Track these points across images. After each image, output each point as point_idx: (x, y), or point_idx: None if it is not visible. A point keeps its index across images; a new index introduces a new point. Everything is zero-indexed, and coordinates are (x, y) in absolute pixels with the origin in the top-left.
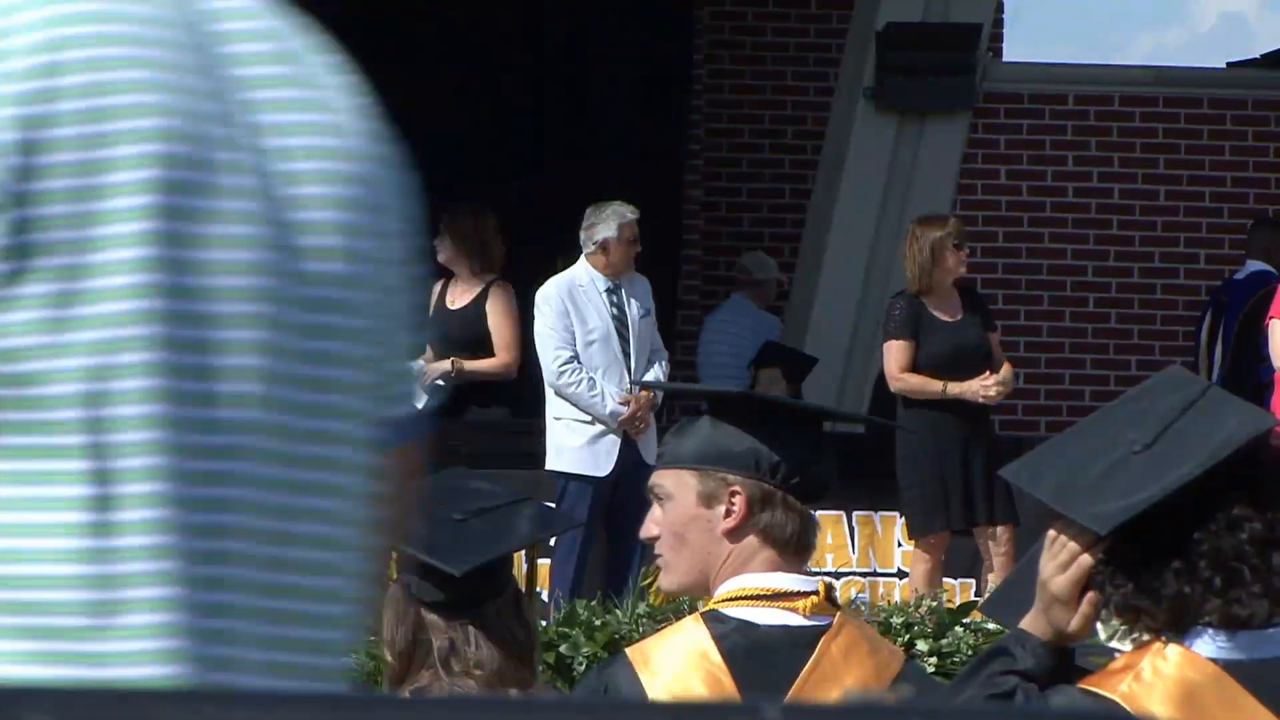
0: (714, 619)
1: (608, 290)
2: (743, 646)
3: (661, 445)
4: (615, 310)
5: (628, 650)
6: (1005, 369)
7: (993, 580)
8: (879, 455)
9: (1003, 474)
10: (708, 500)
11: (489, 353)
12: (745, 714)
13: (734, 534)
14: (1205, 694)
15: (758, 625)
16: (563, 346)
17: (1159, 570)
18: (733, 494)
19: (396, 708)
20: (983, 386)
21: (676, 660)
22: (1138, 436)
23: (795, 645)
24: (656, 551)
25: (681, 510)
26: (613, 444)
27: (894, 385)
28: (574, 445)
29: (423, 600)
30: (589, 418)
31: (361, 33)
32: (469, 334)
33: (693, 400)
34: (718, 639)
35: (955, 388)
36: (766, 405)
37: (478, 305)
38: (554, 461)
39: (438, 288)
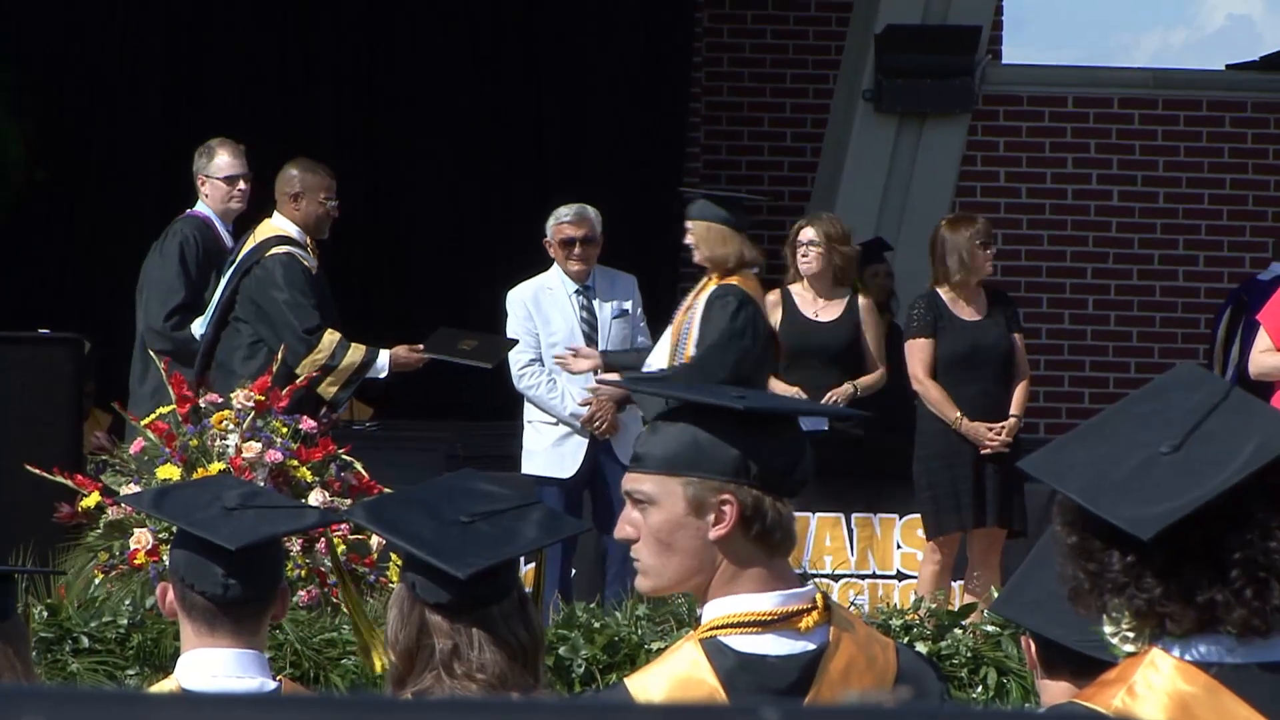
0: (715, 650)
1: (576, 292)
2: (745, 679)
3: (638, 445)
4: (584, 312)
5: (627, 680)
6: (1010, 422)
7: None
8: (879, 458)
9: (1023, 465)
10: (696, 508)
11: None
12: (745, 715)
13: (724, 541)
14: (1200, 706)
15: (760, 656)
16: (523, 349)
17: (1192, 576)
18: (723, 502)
19: (396, 710)
20: (990, 437)
21: (678, 695)
22: (1163, 437)
23: (796, 672)
24: (633, 555)
25: (667, 517)
26: (579, 446)
27: (916, 387)
28: (541, 448)
29: (427, 601)
30: (555, 420)
31: (360, 41)
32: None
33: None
34: (719, 672)
35: (968, 426)
36: (750, 412)
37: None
38: (526, 464)
39: (774, 298)
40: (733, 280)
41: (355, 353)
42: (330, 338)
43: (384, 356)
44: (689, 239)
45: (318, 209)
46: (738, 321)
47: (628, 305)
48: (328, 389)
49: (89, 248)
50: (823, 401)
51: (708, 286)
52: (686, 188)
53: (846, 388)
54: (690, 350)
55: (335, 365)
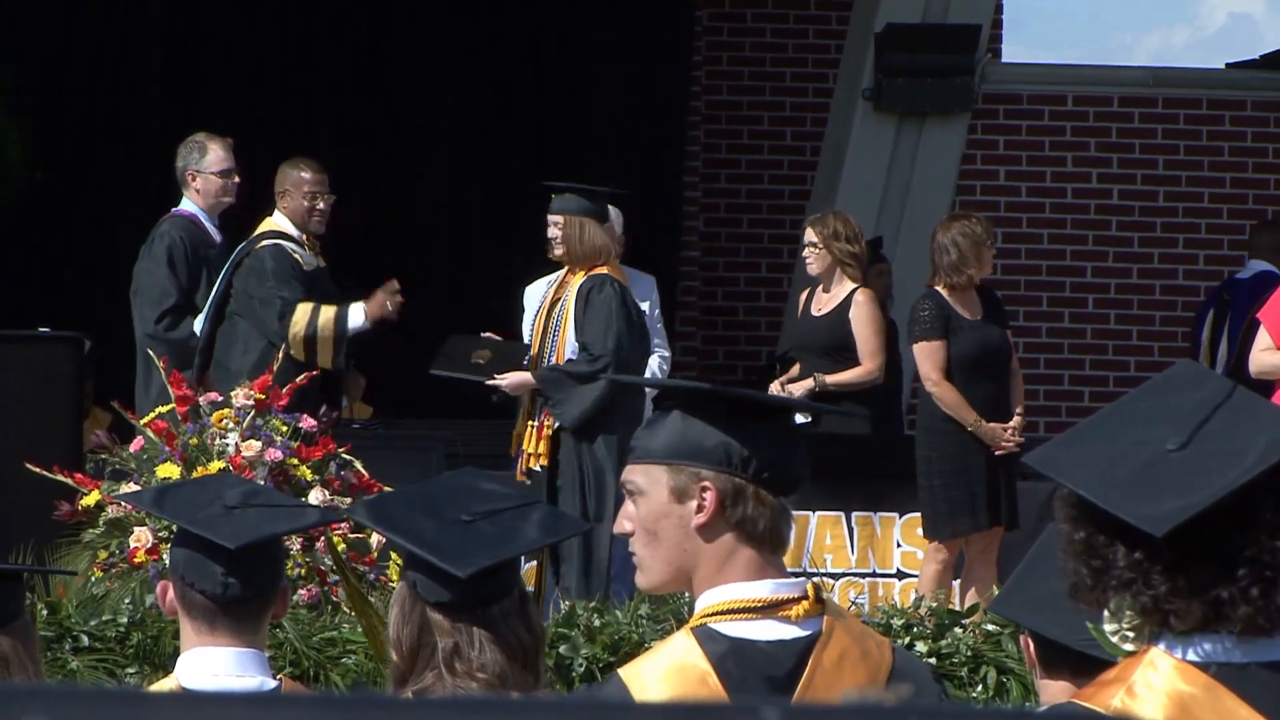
0: (706, 636)
1: None
2: (737, 664)
3: (633, 439)
4: None
5: (620, 671)
6: (1017, 419)
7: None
8: (878, 457)
9: (1029, 461)
10: (679, 495)
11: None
12: (744, 715)
13: (706, 529)
14: (1199, 706)
15: (751, 641)
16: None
17: (1200, 573)
18: (703, 489)
19: (396, 709)
20: (1005, 438)
21: (672, 681)
22: (1168, 434)
23: (789, 659)
24: (631, 549)
25: (653, 506)
26: None
27: (930, 389)
28: None
29: (428, 600)
30: None
31: (361, 43)
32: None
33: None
34: (712, 658)
35: (985, 428)
36: (734, 399)
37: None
38: (535, 461)
39: (803, 296)
40: (602, 270)
41: (327, 312)
42: (302, 309)
43: (356, 308)
44: (554, 232)
45: (300, 204)
46: (626, 310)
47: (645, 306)
48: (325, 358)
49: (89, 247)
50: (782, 394)
51: (574, 280)
52: (548, 182)
53: (807, 381)
54: (565, 342)
55: (314, 333)
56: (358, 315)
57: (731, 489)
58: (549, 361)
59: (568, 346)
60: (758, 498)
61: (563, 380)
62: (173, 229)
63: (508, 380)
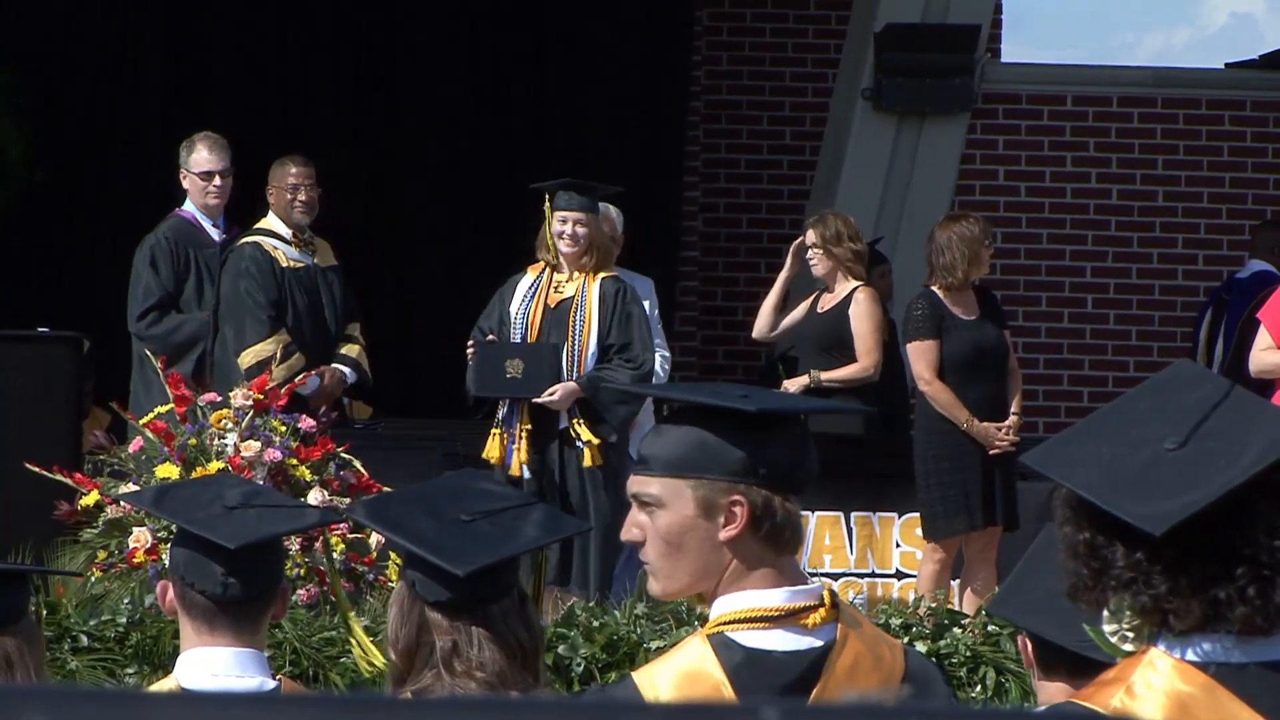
0: (721, 644)
1: None
2: (751, 674)
3: (643, 448)
4: None
5: (634, 675)
6: (1012, 419)
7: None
8: (877, 457)
9: (1029, 460)
10: (706, 509)
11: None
12: (745, 715)
13: (735, 542)
14: (1198, 706)
15: (766, 651)
16: None
17: (1199, 573)
18: (733, 503)
19: (396, 709)
20: (999, 437)
21: (685, 688)
22: (1167, 434)
23: (803, 668)
24: (643, 558)
25: (676, 519)
26: None
27: (923, 388)
28: None
29: (427, 599)
30: None
31: (361, 44)
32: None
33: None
34: (726, 666)
35: (978, 428)
36: (762, 415)
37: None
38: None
39: (809, 299)
40: (610, 272)
41: (299, 361)
42: (275, 340)
43: (314, 378)
44: (578, 230)
45: (281, 200)
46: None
47: (645, 305)
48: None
49: (89, 247)
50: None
51: (582, 279)
52: (571, 179)
53: (803, 378)
54: (588, 342)
55: (271, 362)
56: (313, 383)
57: (761, 501)
58: (575, 364)
59: (590, 349)
60: (783, 506)
61: (608, 389)
62: (163, 229)
63: (559, 396)
